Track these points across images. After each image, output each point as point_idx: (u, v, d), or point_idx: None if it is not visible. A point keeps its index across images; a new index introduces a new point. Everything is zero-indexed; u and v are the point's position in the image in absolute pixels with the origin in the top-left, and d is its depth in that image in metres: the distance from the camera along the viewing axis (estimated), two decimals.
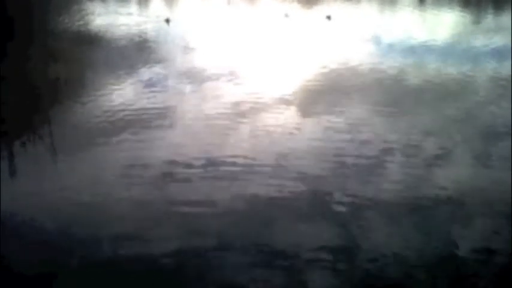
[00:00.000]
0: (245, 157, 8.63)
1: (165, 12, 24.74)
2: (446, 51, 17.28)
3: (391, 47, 17.91)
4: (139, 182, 7.71)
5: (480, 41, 19.02)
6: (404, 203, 7.27)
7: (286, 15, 24.20)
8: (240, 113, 10.83)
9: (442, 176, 8.11)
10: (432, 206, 7.19)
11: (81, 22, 21.70)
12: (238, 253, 6.04)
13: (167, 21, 21.66)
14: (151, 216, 6.81)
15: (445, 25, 23.06)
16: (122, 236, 6.34)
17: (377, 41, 18.86)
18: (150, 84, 12.89)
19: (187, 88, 12.65)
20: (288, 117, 10.69)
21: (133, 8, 27.65)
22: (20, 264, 5.80)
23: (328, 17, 23.30)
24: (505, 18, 25.47)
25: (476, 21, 24.93)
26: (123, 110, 10.85)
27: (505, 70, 14.86)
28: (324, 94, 12.27)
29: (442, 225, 6.73)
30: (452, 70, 14.78)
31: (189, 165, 8.29)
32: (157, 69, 14.30)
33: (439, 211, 7.07)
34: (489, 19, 26.06)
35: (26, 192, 7.35)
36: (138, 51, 16.46)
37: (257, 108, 11.13)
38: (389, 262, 5.93)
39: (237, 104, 11.39)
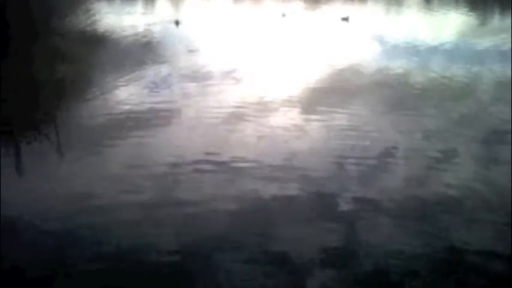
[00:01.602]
0: (249, 157, 8.67)
1: (170, 13, 24.87)
2: (452, 53, 17.25)
3: (396, 48, 17.89)
4: (143, 181, 7.75)
5: (486, 43, 18.96)
6: (408, 204, 7.29)
7: (283, 15, 24.12)
8: (244, 113, 10.89)
9: (446, 177, 8.13)
10: (435, 207, 7.21)
11: (88, 22, 21.80)
12: (240, 253, 6.07)
13: (176, 23, 21.53)
14: (154, 215, 6.86)
15: (451, 27, 22.99)
16: (126, 233, 6.38)
17: (382, 42, 18.84)
18: (155, 84, 12.94)
19: (192, 88, 12.69)
20: (292, 117, 10.75)
21: (140, 8, 27.75)
22: (23, 262, 5.83)
23: (346, 19, 22.93)
24: (510, 19, 25.39)
25: (483, 23, 24.85)
26: (129, 110, 10.92)
27: (509, 70, 14.83)
28: (328, 95, 12.28)
29: (445, 227, 6.75)
30: (458, 71, 14.78)
31: (193, 165, 8.32)
32: (163, 70, 14.36)
33: (442, 212, 7.09)
34: (495, 21, 25.97)
35: (31, 191, 7.41)
36: (144, 52, 16.50)
37: (261, 109, 11.18)
38: (392, 263, 5.96)
39: (241, 104, 11.44)
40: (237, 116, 10.65)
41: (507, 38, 19.79)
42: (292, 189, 7.61)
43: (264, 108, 11.23)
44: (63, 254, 5.99)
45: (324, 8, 27.80)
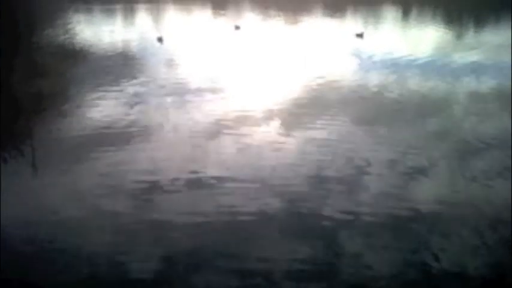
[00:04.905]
0: (227, 172, 8.68)
1: (150, 27, 24.86)
2: (428, 67, 17.49)
3: (373, 62, 18.08)
4: (120, 197, 7.71)
5: (461, 57, 19.28)
6: (385, 218, 7.36)
7: (237, 27, 24.12)
8: (225, 127, 10.90)
9: (422, 190, 8.23)
10: (412, 220, 7.29)
11: (66, 36, 21.63)
12: (218, 268, 6.06)
13: (160, 40, 21.14)
14: (131, 230, 6.82)
15: (427, 41, 23.35)
16: (101, 250, 6.34)
17: (360, 56, 19.04)
18: (134, 99, 12.87)
19: (170, 103, 12.65)
20: (271, 132, 10.79)
21: (120, 21, 27.65)
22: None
23: (360, 35, 22.69)
24: (485, 35, 25.95)
25: (459, 38, 25.30)
26: (107, 125, 10.85)
27: (484, 85, 15.13)
28: (307, 109, 12.36)
29: (421, 239, 6.82)
30: (433, 85, 15.00)
31: (171, 181, 8.31)
32: (141, 85, 14.28)
33: (418, 225, 7.17)
34: (470, 36, 26.48)
35: (7, 207, 7.31)
36: (123, 66, 16.40)
37: (241, 123, 11.20)
38: (370, 276, 6.00)
39: (220, 118, 11.46)
40: (216, 131, 10.64)
41: (481, 52, 20.18)
42: (271, 203, 7.62)
43: (243, 122, 11.25)
44: (32, 269, 5.92)
45: (307, 22, 28.06)
